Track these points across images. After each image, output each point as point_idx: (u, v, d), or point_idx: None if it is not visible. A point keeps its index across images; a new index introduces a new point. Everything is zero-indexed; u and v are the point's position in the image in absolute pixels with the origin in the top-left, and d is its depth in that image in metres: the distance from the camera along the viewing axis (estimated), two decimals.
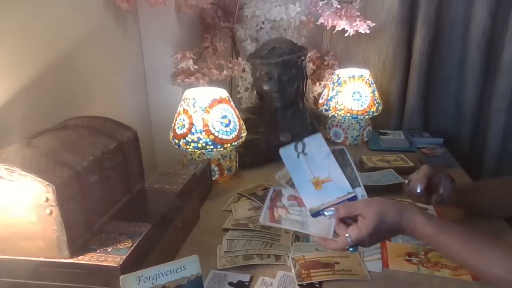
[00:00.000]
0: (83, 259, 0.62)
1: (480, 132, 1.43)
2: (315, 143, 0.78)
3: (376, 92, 1.35)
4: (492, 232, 0.86)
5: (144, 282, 0.58)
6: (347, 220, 0.72)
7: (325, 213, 0.72)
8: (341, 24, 1.33)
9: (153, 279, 0.59)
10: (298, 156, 0.78)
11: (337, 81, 1.33)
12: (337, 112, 1.33)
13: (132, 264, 0.63)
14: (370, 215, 0.69)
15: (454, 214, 0.93)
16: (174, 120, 1.08)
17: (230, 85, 1.46)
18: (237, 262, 0.79)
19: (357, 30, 1.33)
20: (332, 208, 0.72)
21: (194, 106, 1.03)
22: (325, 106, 1.36)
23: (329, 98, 1.35)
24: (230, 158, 1.11)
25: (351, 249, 0.70)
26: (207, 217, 0.96)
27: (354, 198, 0.76)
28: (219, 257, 0.81)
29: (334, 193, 0.75)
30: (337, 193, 0.75)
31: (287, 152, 0.78)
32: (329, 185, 0.76)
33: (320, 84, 1.48)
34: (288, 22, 1.34)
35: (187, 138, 1.03)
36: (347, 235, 0.69)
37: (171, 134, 1.08)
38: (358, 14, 1.32)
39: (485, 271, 0.64)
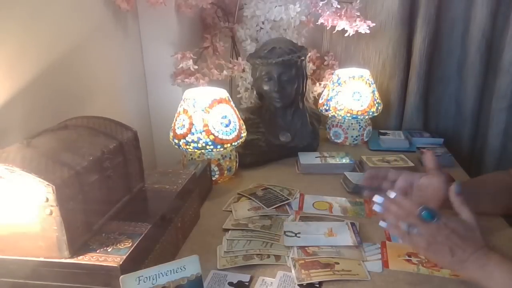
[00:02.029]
0: (83, 259, 0.62)
1: (480, 132, 1.43)
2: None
3: (376, 92, 1.35)
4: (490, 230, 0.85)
5: (144, 282, 0.59)
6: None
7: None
8: (341, 24, 1.33)
9: (153, 279, 0.59)
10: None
11: (337, 81, 1.33)
12: (337, 112, 1.33)
13: (132, 264, 0.63)
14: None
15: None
16: (174, 120, 1.08)
17: (230, 85, 1.46)
18: (237, 262, 0.79)
19: (357, 30, 1.33)
20: None
21: (194, 106, 1.03)
22: (325, 106, 1.36)
23: (329, 98, 1.35)
24: (230, 158, 1.11)
25: (423, 213, 0.68)
26: (207, 217, 0.96)
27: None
28: (219, 257, 0.81)
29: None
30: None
31: None
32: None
33: (320, 84, 1.48)
34: (288, 22, 1.34)
35: (187, 138, 1.03)
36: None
37: (171, 134, 1.08)
38: (358, 14, 1.32)
39: None
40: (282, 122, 1.26)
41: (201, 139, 1.02)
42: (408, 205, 0.72)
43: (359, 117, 1.32)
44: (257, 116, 1.25)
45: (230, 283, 0.74)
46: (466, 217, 0.70)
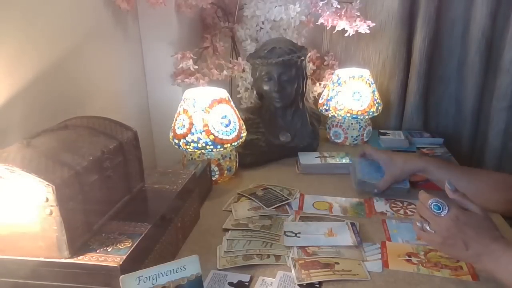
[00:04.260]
0: (83, 259, 0.62)
1: (480, 131, 1.43)
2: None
3: (376, 92, 1.35)
4: None
5: (144, 282, 0.58)
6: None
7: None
8: (341, 24, 1.33)
9: (153, 279, 0.59)
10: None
11: (337, 81, 1.33)
12: (337, 112, 1.33)
13: (132, 264, 0.63)
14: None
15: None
16: (174, 120, 1.08)
17: (230, 85, 1.46)
18: (237, 262, 0.79)
19: (357, 30, 1.33)
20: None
21: (194, 106, 1.03)
22: (325, 106, 1.36)
23: (329, 98, 1.35)
24: (230, 158, 1.11)
25: (432, 204, 0.69)
26: (207, 217, 0.96)
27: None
28: (219, 257, 0.81)
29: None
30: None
31: None
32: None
33: (320, 84, 1.48)
34: (288, 22, 1.34)
35: (187, 138, 1.03)
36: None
37: (171, 134, 1.08)
38: (358, 14, 1.32)
39: None
40: (282, 122, 1.26)
41: (201, 139, 1.02)
42: (422, 197, 0.72)
43: (359, 117, 1.32)
44: (257, 116, 1.25)
45: (230, 283, 0.74)
46: (473, 209, 0.70)
